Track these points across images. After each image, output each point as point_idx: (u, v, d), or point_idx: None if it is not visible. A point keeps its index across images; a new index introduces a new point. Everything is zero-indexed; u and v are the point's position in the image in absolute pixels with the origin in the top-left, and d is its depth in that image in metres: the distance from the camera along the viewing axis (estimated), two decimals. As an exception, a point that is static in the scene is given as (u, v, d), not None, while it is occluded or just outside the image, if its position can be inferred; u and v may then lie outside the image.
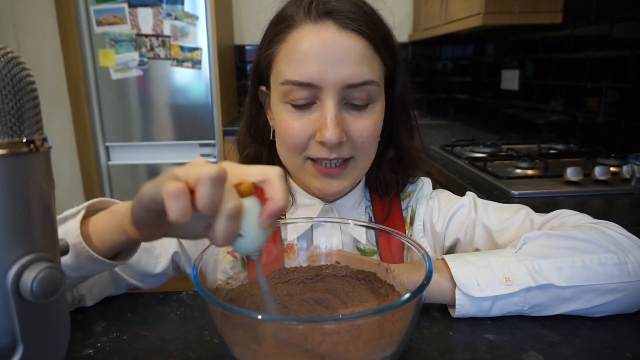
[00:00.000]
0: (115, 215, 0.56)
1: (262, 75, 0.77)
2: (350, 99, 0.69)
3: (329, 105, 0.68)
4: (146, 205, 0.43)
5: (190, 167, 0.41)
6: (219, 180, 0.39)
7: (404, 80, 0.77)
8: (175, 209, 0.38)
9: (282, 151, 0.76)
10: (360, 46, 0.68)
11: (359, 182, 0.82)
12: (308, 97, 0.69)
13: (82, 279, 0.62)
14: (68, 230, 0.57)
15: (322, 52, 0.66)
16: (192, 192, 0.39)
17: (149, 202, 0.42)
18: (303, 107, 0.70)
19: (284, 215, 0.80)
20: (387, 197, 0.82)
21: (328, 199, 0.79)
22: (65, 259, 0.57)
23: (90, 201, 0.62)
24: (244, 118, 0.84)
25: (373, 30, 0.69)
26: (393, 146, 0.81)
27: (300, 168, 0.74)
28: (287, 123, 0.70)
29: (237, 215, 0.40)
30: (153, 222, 0.46)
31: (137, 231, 0.49)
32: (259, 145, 0.82)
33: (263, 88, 0.78)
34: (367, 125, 0.71)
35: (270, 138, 0.79)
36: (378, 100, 0.72)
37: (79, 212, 0.59)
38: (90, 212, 0.60)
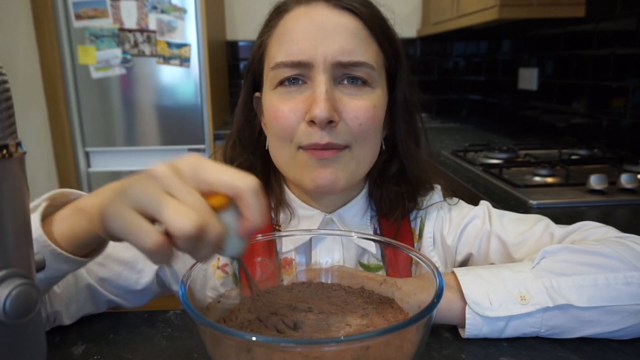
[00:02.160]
0: (82, 215, 0.55)
1: (256, 73, 0.78)
2: (344, 79, 0.71)
3: (319, 81, 0.69)
4: (117, 239, 0.43)
5: (169, 199, 0.40)
6: (198, 237, 0.39)
7: (407, 79, 0.78)
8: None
9: (273, 147, 0.76)
10: (352, 23, 0.70)
11: (362, 189, 0.82)
12: (298, 75, 0.70)
13: (49, 283, 0.61)
14: None
15: (313, 28, 0.69)
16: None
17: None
18: (293, 86, 0.71)
19: (279, 226, 0.80)
20: (391, 217, 0.81)
21: (323, 197, 0.79)
22: None
23: (51, 193, 0.61)
24: (236, 125, 0.83)
25: (367, 9, 0.72)
26: (397, 158, 0.80)
27: (292, 160, 0.73)
28: (276, 107, 0.71)
29: (220, 242, 0.41)
30: None
31: (110, 238, 0.49)
32: (252, 155, 0.82)
33: (258, 94, 0.79)
34: (363, 105, 0.70)
35: (266, 147, 0.79)
36: (377, 87, 0.73)
37: (39, 204, 0.59)
38: (52, 206, 0.60)
